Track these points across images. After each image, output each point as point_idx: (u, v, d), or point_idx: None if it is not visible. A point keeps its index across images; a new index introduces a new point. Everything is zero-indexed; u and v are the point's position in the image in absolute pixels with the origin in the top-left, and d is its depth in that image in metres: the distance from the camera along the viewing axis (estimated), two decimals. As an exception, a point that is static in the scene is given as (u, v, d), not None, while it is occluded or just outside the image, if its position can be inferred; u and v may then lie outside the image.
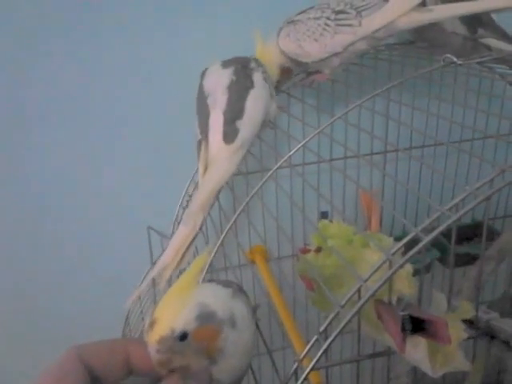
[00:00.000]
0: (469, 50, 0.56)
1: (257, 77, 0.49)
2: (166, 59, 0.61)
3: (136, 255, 0.58)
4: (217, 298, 0.30)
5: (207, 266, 0.51)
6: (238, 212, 0.49)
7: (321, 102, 0.62)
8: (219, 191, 0.47)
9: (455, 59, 0.46)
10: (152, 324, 0.27)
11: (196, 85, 0.52)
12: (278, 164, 0.49)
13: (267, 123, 0.52)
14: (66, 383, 0.27)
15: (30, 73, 0.58)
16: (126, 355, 0.29)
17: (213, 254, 0.51)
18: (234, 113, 0.47)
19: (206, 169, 0.47)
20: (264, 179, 0.49)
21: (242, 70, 0.49)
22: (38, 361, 0.52)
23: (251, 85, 0.48)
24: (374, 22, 0.50)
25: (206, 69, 0.53)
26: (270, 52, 0.55)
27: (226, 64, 0.51)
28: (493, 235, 0.63)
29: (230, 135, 0.46)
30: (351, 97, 0.56)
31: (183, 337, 0.27)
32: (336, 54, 0.53)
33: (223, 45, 0.57)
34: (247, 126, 0.47)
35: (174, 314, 0.27)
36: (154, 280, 0.51)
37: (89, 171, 0.64)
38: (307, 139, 0.49)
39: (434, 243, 0.60)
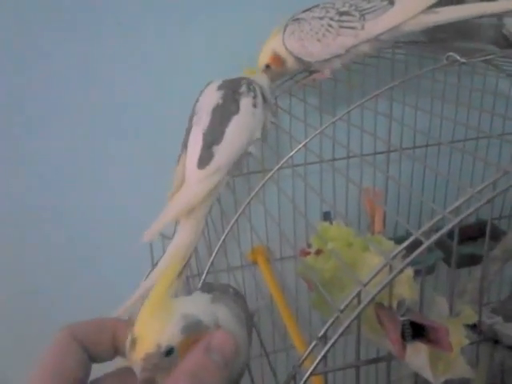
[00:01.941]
0: (501, 41, 0.55)
1: (244, 102, 0.48)
2: (167, 59, 0.61)
3: (137, 256, 0.57)
4: (198, 306, 0.29)
5: (208, 267, 0.51)
6: (238, 212, 0.49)
7: (323, 103, 0.61)
8: (185, 214, 0.45)
9: (458, 57, 0.45)
10: (134, 342, 0.26)
11: (198, 86, 0.52)
12: (280, 164, 0.49)
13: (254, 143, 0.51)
14: (66, 364, 0.27)
15: (30, 72, 0.58)
16: (114, 334, 0.29)
17: (213, 255, 0.51)
18: (212, 137, 0.46)
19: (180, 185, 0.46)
20: (265, 179, 0.49)
21: (231, 94, 0.48)
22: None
23: (236, 110, 0.47)
24: (378, 26, 0.50)
25: (208, 84, 0.52)
26: (276, 49, 0.55)
27: (220, 86, 0.50)
28: (498, 235, 0.62)
29: (204, 160, 0.45)
30: (354, 97, 0.55)
31: (169, 352, 0.26)
32: (338, 56, 0.53)
33: (224, 43, 0.57)
34: (224, 152, 0.46)
35: (157, 329, 0.26)
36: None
37: (89, 172, 0.63)
38: (308, 139, 0.48)
39: (438, 244, 0.60)
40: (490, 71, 0.58)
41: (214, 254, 0.51)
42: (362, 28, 0.50)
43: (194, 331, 0.27)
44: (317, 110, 0.60)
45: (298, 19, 0.54)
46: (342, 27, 0.51)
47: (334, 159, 0.63)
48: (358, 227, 0.67)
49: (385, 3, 0.51)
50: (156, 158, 0.64)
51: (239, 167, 0.50)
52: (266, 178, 0.48)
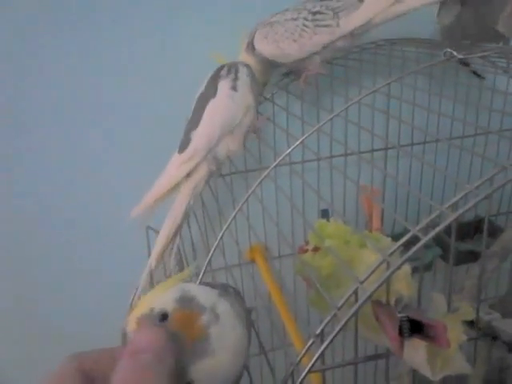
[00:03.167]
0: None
1: (222, 85, 0.49)
2: (163, 57, 0.60)
3: (135, 255, 0.57)
4: (200, 289, 0.29)
5: (205, 265, 0.50)
6: (236, 210, 0.49)
7: (320, 100, 0.61)
8: (166, 196, 0.50)
9: (456, 53, 0.45)
10: (132, 309, 0.27)
11: (194, 83, 0.52)
12: (277, 161, 0.48)
13: (248, 129, 0.52)
14: None
15: (25, 73, 0.58)
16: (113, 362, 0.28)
17: (211, 253, 0.51)
18: (192, 123, 0.49)
19: None
20: (262, 176, 0.48)
21: (212, 78, 0.50)
22: (38, 363, 0.52)
23: (213, 94, 0.49)
24: (352, 21, 0.52)
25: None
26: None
27: (210, 76, 0.51)
28: (496, 232, 0.62)
29: (182, 145, 0.49)
30: (351, 93, 0.55)
31: (162, 317, 0.27)
32: (316, 53, 0.54)
33: (223, 40, 0.57)
34: (200, 136, 0.48)
35: (153, 295, 0.28)
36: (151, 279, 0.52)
37: (88, 171, 0.63)
38: (305, 136, 0.48)
39: (436, 240, 0.60)
40: (487, 67, 0.58)
41: (211, 252, 0.50)
42: (337, 25, 0.52)
43: (187, 304, 0.27)
44: (314, 106, 0.60)
45: (269, 23, 0.54)
46: (317, 26, 0.52)
47: (332, 156, 0.63)
48: (356, 224, 0.67)
49: (354, 0, 0.53)
50: (156, 159, 0.64)
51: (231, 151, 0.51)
52: (263, 175, 0.48)
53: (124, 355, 0.24)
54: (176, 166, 0.49)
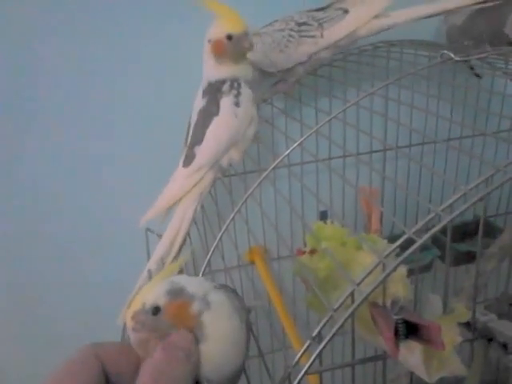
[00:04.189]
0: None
1: (224, 102, 0.49)
2: (164, 59, 0.61)
3: (134, 257, 0.57)
4: (191, 280, 0.31)
5: (204, 267, 0.51)
6: (235, 211, 0.49)
7: (319, 102, 0.61)
8: (172, 206, 0.51)
9: (453, 55, 0.45)
10: (128, 307, 0.29)
11: (195, 85, 0.52)
12: (276, 163, 0.49)
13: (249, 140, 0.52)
14: (80, 379, 0.27)
15: (27, 73, 0.58)
16: (137, 365, 0.29)
17: (209, 255, 0.51)
18: (195, 138, 0.50)
19: None
20: (261, 178, 0.49)
21: (214, 94, 0.50)
22: (37, 363, 0.52)
23: (216, 112, 0.49)
24: (336, 33, 0.54)
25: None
26: None
27: (206, 88, 0.51)
28: (494, 232, 0.62)
29: (187, 159, 0.50)
30: (349, 95, 0.55)
31: (155, 310, 0.28)
32: (301, 63, 0.55)
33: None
34: (204, 152, 0.49)
35: (146, 291, 0.29)
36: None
37: (87, 173, 0.63)
38: (304, 138, 0.49)
39: (435, 241, 0.60)
40: (485, 69, 0.58)
41: (210, 254, 0.51)
42: (322, 36, 0.54)
43: (178, 295, 0.29)
44: (312, 108, 0.60)
45: (258, 34, 0.55)
46: (302, 36, 0.54)
47: (330, 158, 0.63)
48: (355, 226, 0.67)
49: (339, 12, 0.54)
50: (155, 160, 0.64)
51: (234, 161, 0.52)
52: (262, 177, 0.49)
53: (159, 348, 0.27)
54: (181, 179, 0.50)
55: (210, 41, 0.48)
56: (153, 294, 0.29)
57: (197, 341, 0.28)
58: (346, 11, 0.54)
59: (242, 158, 0.54)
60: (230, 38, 0.47)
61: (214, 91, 0.50)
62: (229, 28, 0.47)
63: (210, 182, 0.51)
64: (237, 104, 0.49)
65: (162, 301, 0.28)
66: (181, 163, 0.51)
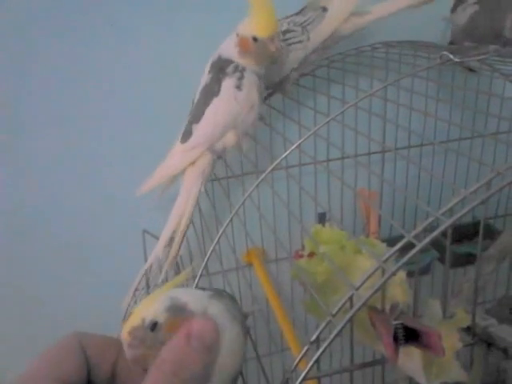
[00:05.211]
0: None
1: (226, 84, 0.48)
2: (160, 59, 0.60)
3: (131, 259, 0.57)
4: (190, 294, 0.30)
5: (201, 269, 0.50)
6: (233, 213, 0.49)
7: (317, 103, 0.61)
8: (170, 180, 0.52)
9: (452, 56, 0.45)
10: (126, 320, 0.28)
11: (191, 85, 0.52)
12: (273, 165, 0.48)
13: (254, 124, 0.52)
14: (62, 368, 0.27)
15: (24, 74, 0.58)
16: (117, 355, 0.29)
17: (207, 257, 0.51)
18: (194, 116, 0.50)
19: None
20: (259, 180, 0.48)
21: (217, 73, 0.49)
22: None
23: (217, 92, 0.48)
24: (321, 33, 0.53)
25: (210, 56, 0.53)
26: None
27: (213, 63, 0.50)
28: (493, 234, 0.62)
29: (185, 136, 0.50)
30: (347, 97, 0.55)
31: (154, 327, 0.27)
32: (294, 69, 0.55)
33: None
34: (200, 131, 0.49)
35: (145, 306, 0.28)
36: (148, 281, 0.52)
37: (85, 174, 0.63)
38: (302, 139, 0.48)
39: (434, 243, 0.60)
40: (484, 71, 0.58)
41: (207, 256, 0.50)
42: (308, 39, 0.53)
43: (178, 312, 0.28)
44: (311, 110, 0.60)
45: None
46: (289, 44, 0.53)
47: (329, 160, 0.63)
48: (354, 228, 0.67)
49: (319, 11, 0.54)
50: (152, 162, 0.64)
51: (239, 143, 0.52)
52: (260, 178, 0.48)
53: (180, 335, 0.26)
54: (177, 154, 0.50)
55: (237, 35, 0.48)
56: (152, 309, 0.28)
57: None
58: (324, 9, 0.54)
59: (238, 155, 0.53)
60: (255, 39, 0.46)
61: (219, 69, 0.49)
62: (255, 30, 0.46)
63: (209, 161, 0.51)
64: (238, 87, 0.48)
65: (161, 317, 0.28)
66: (179, 138, 0.50)
